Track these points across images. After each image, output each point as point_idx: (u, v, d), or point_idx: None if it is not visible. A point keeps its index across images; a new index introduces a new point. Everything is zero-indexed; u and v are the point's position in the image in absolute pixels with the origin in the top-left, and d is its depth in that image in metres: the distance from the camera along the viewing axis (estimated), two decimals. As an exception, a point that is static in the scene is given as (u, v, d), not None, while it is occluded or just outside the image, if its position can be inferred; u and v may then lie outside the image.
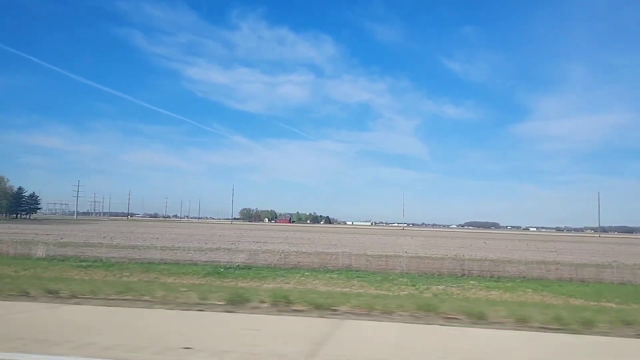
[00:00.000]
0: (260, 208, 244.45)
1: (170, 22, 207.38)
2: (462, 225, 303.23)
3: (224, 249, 31.53)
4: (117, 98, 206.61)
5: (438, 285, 21.04)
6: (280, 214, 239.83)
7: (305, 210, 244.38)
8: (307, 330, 5.79)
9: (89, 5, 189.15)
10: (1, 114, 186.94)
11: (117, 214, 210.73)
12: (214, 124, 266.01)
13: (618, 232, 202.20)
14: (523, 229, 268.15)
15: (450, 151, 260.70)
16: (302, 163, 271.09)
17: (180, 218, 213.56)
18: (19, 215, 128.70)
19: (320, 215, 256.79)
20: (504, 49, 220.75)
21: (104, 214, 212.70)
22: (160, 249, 30.11)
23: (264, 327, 5.85)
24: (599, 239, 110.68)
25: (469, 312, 6.85)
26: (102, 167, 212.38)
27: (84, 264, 25.77)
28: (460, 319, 6.66)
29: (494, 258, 31.34)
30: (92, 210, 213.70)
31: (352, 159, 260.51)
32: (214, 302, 7.49)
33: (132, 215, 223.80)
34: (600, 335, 5.95)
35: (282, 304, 7.32)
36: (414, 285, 20.70)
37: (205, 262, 27.17)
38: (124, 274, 22.46)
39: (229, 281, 20.11)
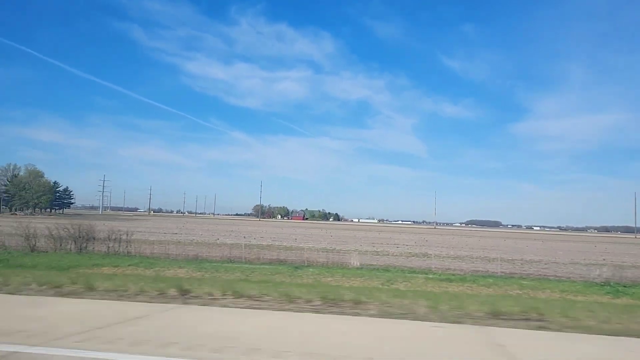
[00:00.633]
0: (272, 205, 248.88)
1: (170, 16, 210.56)
2: (465, 224, 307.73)
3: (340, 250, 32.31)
4: (116, 92, 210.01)
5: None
6: (292, 211, 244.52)
7: (303, 206, 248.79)
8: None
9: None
10: None
11: (120, 209, 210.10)
12: (212, 120, 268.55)
13: (621, 232, 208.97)
14: (526, 227, 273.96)
15: (449, 149, 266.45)
16: (300, 160, 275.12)
17: (196, 214, 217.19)
18: (52, 211, 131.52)
19: (329, 213, 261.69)
20: (503, 48, 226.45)
21: (111, 208, 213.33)
22: (308, 250, 29.67)
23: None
24: (635, 239, 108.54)
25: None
26: (100, 162, 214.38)
27: (247, 265, 22.66)
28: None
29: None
30: (100, 205, 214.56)
31: (350, 156, 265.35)
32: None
33: (136, 210, 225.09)
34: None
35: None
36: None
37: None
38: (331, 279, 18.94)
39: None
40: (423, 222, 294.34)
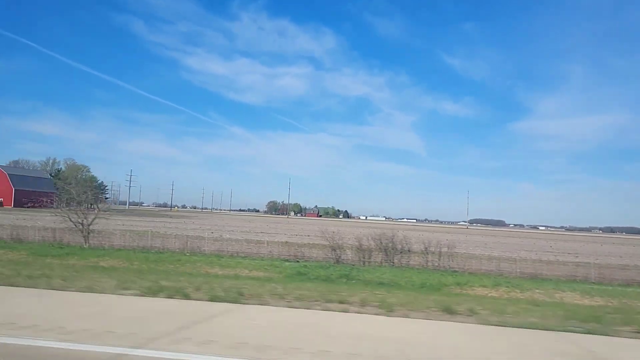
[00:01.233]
0: (286, 201, 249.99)
1: (171, 10, 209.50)
2: (470, 222, 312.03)
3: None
4: (115, 86, 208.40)
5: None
6: (304, 208, 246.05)
7: (302, 203, 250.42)
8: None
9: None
10: None
11: (123, 203, 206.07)
12: (212, 115, 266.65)
13: (626, 232, 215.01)
14: (531, 227, 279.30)
15: (448, 148, 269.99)
16: (298, 156, 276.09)
17: (212, 210, 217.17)
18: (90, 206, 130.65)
19: (339, 210, 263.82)
20: (504, 47, 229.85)
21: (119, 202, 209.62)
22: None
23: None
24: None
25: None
26: (99, 155, 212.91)
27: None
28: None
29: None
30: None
31: (349, 153, 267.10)
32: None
33: (141, 204, 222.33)
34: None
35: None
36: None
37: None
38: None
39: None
40: (425, 220, 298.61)
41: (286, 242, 30.64)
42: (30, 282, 9.42)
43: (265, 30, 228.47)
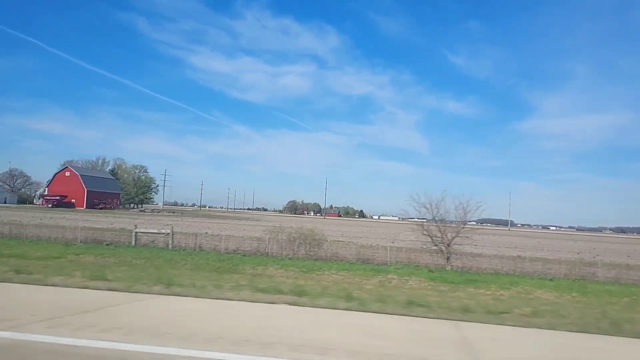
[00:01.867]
0: (306, 201, 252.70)
1: (174, 8, 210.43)
2: (479, 222, 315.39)
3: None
4: (119, 84, 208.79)
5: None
6: (323, 208, 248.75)
7: (303, 200, 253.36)
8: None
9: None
10: (1, 96, 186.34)
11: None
12: (215, 113, 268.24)
13: (637, 233, 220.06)
14: (542, 227, 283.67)
15: (451, 147, 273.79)
16: (301, 154, 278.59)
17: (234, 209, 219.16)
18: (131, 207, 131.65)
19: (354, 209, 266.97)
20: (507, 46, 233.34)
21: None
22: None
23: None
24: None
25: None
26: (102, 153, 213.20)
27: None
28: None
29: None
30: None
31: (351, 152, 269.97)
32: None
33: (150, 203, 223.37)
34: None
35: None
36: None
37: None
38: None
39: None
40: (424, 219, 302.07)
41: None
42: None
43: (268, 29, 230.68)
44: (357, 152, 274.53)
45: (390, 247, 23.57)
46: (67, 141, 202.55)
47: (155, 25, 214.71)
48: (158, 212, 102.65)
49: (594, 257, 30.47)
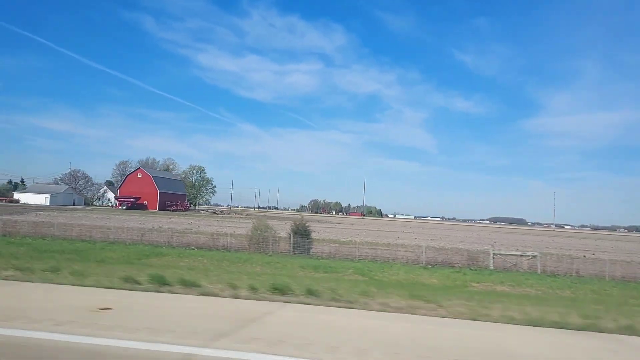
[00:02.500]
0: (327, 200, 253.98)
1: (181, 7, 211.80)
2: (491, 221, 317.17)
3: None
4: (126, 83, 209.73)
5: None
6: (345, 207, 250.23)
7: (308, 198, 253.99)
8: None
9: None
10: (9, 95, 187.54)
11: None
12: (222, 112, 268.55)
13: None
14: (557, 225, 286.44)
15: (458, 144, 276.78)
16: (308, 153, 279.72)
17: (259, 209, 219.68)
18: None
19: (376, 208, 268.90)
20: (515, 43, 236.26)
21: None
22: None
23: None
24: None
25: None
26: (109, 152, 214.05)
27: None
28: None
29: None
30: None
31: (359, 150, 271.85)
32: None
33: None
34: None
35: None
36: None
37: None
38: None
39: None
40: (442, 217, 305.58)
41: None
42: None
43: (275, 27, 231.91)
44: (364, 150, 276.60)
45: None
46: (74, 139, 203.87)
47: (162, 24, 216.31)
48: (228, 213, 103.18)
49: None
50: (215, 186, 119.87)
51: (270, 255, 23.42)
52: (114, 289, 6.92)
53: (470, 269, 21.59)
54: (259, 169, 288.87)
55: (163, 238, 27.63)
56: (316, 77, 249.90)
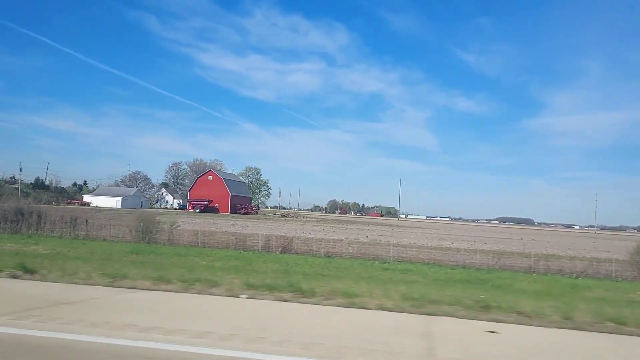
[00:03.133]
0: (346, 200, 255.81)
1: (184, 6, 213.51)
2: (499, 221, 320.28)
3: None
4: (129, 82, 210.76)
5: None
6: (362, 206, 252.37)
7: (315, 200, 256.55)
8: None
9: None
10: (13, 95, 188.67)
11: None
12: (224, 111, 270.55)
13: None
14: (565, 225, 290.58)
15: (461, 144, 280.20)
16: (310, 152, 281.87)
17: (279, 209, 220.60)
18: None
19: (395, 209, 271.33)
20: (518, 42, 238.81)
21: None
22: None
23: None
24: None
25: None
26: (113, 151, 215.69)
27: None
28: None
29: None
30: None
31: (361, 150, 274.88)
32: None
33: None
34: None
35: None
36: None
37: None
38: None
39: None
40: (448, 217, 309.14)
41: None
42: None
43: (277, 26, 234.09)
44: (366, 150, 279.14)
45: None
46: (77, 139, 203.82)
47: (165, 23, 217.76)
48: (296, 217, 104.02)
49: None
50: (270, 188, 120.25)
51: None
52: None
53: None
54: (259, 168, 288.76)
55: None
56: (318, 76, 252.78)
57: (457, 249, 29.07)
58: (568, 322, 6.94)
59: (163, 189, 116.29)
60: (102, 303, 7.02)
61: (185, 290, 8.25)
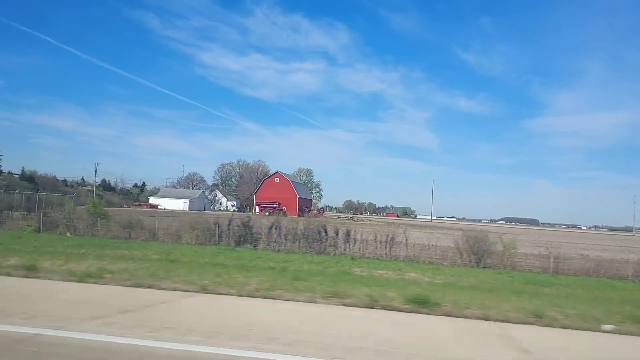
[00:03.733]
0: (361, 200, 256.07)
1: (185, 5, 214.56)
2: (505, 221, 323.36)
3: None
4: (130, 81, 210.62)
5: None
6: (378, 207, 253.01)
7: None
8: None
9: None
10: (13, 93, 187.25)
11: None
12: (225, 110, 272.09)
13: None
14: (572, 226, 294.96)
15: (462, 144, 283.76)
16: (312, 151, 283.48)
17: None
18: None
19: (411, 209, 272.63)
20: (520, 42, 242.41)
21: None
22: None
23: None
24: None
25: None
26: (113, 150, 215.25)
27: None
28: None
29: None
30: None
31: (362, 149, 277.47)
32: None
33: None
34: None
35: None
36: None
37: None
38: None
39: None
40: (453, 217, 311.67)
41: None
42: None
43: (278, 26, 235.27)
44: (367, 149, 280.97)
45: None
46: (79, 138, 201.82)
47: (166, 22, 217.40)
48: (363, 220, 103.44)
49: None
50: (322, 190, 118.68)
51: None
52: None
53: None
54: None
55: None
56: (320, 76, 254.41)
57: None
58: None
59: (216, 190, 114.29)
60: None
61: None
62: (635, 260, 22.90)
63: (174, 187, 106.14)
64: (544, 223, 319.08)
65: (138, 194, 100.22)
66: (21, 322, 6.39)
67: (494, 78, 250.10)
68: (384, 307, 8.83)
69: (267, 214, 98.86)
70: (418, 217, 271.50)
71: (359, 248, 24.88)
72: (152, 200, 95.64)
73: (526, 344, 6.76)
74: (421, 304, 8.79)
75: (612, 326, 7.90)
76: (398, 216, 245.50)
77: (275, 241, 25.05)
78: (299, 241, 25.06)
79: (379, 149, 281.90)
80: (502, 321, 8.19)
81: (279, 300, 9.10)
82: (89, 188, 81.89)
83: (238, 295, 9.38)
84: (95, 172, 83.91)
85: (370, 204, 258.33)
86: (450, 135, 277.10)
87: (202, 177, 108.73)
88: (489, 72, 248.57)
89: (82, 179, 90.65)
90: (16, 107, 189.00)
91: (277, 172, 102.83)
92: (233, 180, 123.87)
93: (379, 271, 17.36)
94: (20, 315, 6.81)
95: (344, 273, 15.38)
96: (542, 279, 18.03)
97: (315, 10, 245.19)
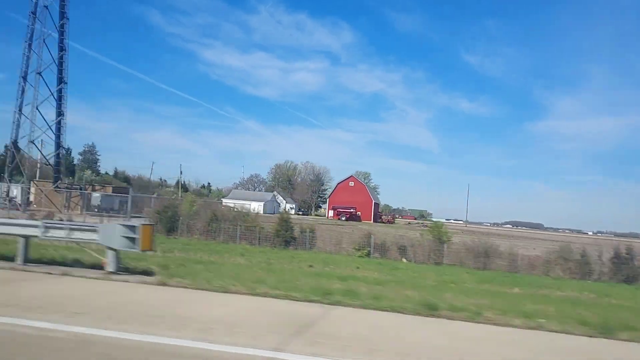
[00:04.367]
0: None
1: (189, 2, 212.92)
2: (511, 225, 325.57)
3: None
4: (132, 76, 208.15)
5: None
6: (394, 209, 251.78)
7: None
8: None
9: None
10: (15, 87, 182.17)
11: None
12: (227, 108, 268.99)
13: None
14: (576, 231, 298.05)
15: (463, 145, 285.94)
16: (313, 151, 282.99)
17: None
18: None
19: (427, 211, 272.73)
20: (523, 45, 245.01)
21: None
22: None
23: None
24: None
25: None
26: (115, 145, 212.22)
27: None
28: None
29: None
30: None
31: (363, 149, 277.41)
32: None
33: None
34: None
35: None
36: None
37: None
38: None
39: None
40: (455, 219, 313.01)
41: None
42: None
43: (282, 24, 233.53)
44: (368, 149, 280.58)
45: None
46: (80, 132, 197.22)
47: (170, 18, 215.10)
48: (419, 223, 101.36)
49: None
50: (379, 193, 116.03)
51: None
52: None
53: None
54: (262, 167, 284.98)
55: None
56: (322, 75, 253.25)
57: None
58: None
59: (275, 192, 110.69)
60: None
61: None
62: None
63: (236, 188, 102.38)
64: (548, 227, 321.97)
65: (207, 195, 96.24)
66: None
67: (496, 80, 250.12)
68: None
69: (343, 218, 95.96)
70: (433, 220, 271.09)
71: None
72: (225, 202, 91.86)
73: None
74: None
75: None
76: (415, 219, 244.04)
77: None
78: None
79: (379, 149, 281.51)
80: None
81: None
82: (170, 189, 78.10)
83: None
84: (181, 173, 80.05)
85: (386, 205, 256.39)
86: (452, 137, 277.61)
87: (263, 178, 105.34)
88: (491, 75, 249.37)
89: (161, 179, 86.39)
90: (17, 101, 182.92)
91: (351, 175, 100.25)
92: (289, 182, 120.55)
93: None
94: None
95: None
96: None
97: (320, 9, 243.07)
